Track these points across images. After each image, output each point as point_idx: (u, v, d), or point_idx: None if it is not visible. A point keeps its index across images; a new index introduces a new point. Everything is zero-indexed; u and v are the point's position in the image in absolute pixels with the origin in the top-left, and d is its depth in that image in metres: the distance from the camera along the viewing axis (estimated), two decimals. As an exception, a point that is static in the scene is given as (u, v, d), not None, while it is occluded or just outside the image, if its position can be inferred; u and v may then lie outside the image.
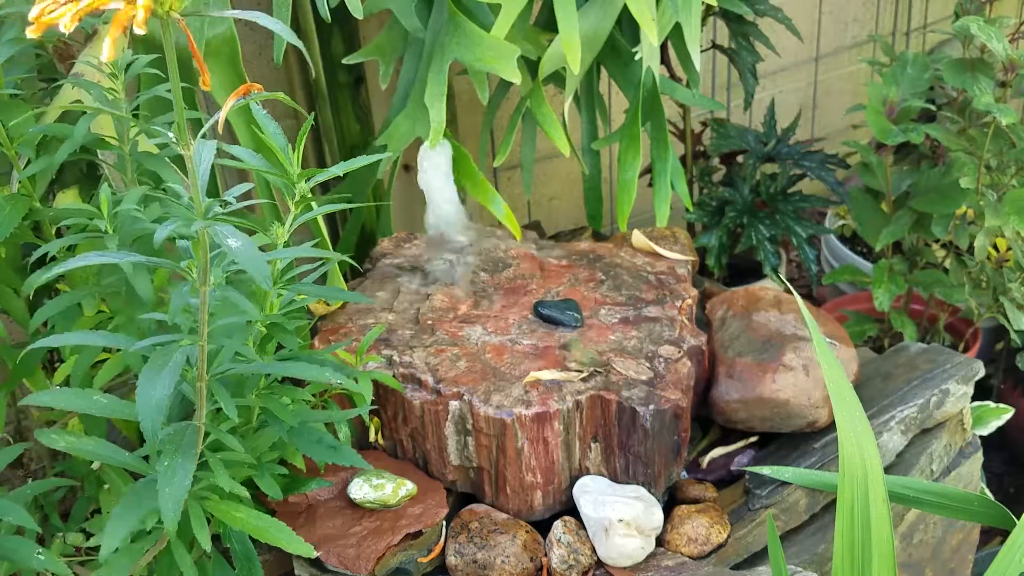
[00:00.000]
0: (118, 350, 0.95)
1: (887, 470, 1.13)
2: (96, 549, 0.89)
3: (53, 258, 0.93)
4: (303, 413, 0.93)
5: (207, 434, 0.82)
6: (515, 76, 1.08)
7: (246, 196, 0.77)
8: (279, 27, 0.65)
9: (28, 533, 0.86)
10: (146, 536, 0.85)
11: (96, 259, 0.74)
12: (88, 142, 0.94)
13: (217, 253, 0.76)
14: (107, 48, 0.57)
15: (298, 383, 1.00)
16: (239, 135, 1.06)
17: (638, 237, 1.27)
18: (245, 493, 0.85)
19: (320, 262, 0.96)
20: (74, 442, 0.83)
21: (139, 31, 0.57)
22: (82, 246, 0.93)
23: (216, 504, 0.85)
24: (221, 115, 0.66)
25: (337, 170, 0.87)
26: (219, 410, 0.90)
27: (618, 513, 0.99)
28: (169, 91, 0.86)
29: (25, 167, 0.94)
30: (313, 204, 0.91)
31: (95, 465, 0.97)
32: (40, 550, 0.83)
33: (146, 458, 0.85)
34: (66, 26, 0.58)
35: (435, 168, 1.22)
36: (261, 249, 0.88)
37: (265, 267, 0.70)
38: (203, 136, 0.69)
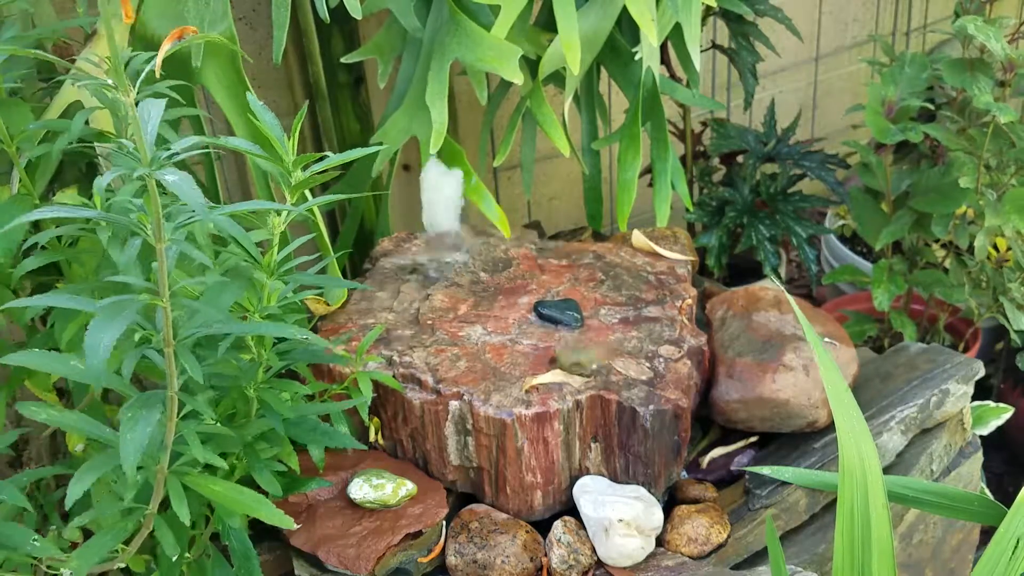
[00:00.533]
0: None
1: (887, 470, 1.13)
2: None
3: (44, 248, 0.92)
4: (301, 408, 0.93)
5: (183, 406, 0.80)
6: (517, 76, 1.07)
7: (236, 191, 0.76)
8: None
9: (28, 520, 0.85)
10: (129, 515, 0.84)
11: (49, 214, 0.72)
12: (87, 138, 0.94)
13: (170, 210, 0.74)
14: None
15: (295, 378, 1.00)
16: (236, 128, 1.06)
17: (638, 237, 1.27)
18: (222, 463, 0.83)
19: (317, 254, 0.95)
20: (55, 415, 0.81)
21: None
22: (83, 240, 0.93)
23: (195, 478, 0.83)
24: (159, 57, 0.65)
25: (333, 160, 0.87)
26: (217, 403, 0.89)
27: (618, 513, 0.99)
28: (169, 88, 0.86)
29: (26, 165, 0.94)
30: (308, 195, 0.90)
31: (79, 447, 0.95)
32: (36, 536, 0.82)
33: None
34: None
35: (438, 170, 1.22)
36: (258, 245, 0.88)
37: (200, 195, 0.68)
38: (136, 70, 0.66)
